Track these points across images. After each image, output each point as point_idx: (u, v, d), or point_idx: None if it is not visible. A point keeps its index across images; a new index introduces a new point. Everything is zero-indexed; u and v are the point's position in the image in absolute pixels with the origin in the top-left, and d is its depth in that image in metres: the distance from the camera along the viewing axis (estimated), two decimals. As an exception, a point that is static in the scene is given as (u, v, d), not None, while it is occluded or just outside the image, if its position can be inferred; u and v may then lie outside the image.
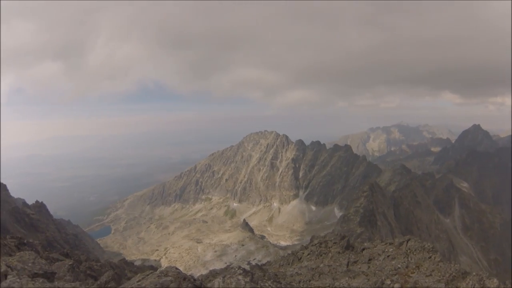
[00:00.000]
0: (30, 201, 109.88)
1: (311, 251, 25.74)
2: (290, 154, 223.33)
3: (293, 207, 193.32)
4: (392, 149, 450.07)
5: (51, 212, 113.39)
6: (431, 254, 18.67)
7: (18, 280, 8.09)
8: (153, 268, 52.08)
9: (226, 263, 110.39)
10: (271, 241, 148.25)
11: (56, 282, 8.85)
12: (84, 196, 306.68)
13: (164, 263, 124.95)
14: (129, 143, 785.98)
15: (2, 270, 8.91)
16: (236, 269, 7.99)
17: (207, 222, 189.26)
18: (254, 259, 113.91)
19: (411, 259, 18.71)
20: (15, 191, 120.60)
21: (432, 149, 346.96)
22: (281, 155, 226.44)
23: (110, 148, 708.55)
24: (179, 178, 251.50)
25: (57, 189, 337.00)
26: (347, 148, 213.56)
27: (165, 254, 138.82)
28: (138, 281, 7.36)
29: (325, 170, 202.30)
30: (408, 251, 19.73)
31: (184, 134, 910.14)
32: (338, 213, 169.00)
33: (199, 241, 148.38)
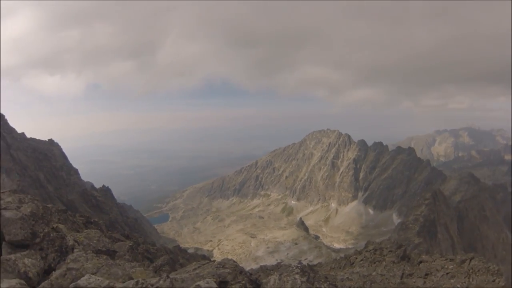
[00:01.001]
0: (97, 185, 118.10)
1: (364, 257, 25.04)
2: (351, 154, 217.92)
3: (351, 209, 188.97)
4: (460, 154, 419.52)
5: (115, 196, 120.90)
6: (495, 278, 17.21)
7: (84, 254, 8.72)
8: (205, 257, 53.59)
9: (277, 260, 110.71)
10: (324, 242, 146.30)
11: (118, 260, 9.50)
12: (146, 185, 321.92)
13: (216, 254, 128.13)
14: (193, 136, 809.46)
15: (70, 243, 9.69)
16: (294, 267, 8.01)
17: (263, 218, 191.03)
18: (305, 259, 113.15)
19: (472, 280, 17.37)
20: (85, 175, 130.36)
21: (506, 157, 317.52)
22: (343, 155, 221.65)
23: (174, 140, 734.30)
24: (239, 173, 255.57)
25: (122, 176, 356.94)
26: (411, 151, 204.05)
27: (218, 245, 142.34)
28: (194, 269, 7.60)
29: (386, 173, 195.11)
30: (470, 271, 18.31)
31: (248, 130, 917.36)
32: (396, 219, 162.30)
33: (253, 236, 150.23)
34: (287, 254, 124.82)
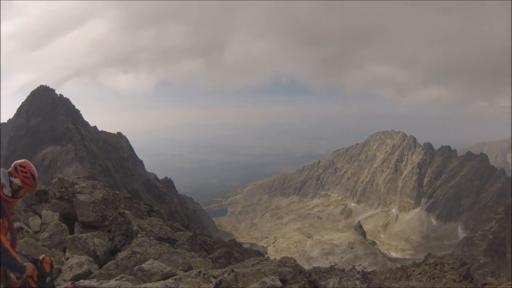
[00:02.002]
0: (160, 177, 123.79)
1: (423, 270, 23.70)
2: (416, 157, 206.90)
3: (412, 216, 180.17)
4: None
5: (177, 188, 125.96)
6: None
7: (148, 240, 9.31)
8: (260, 253, 54.08)
9: (331, 263, 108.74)
10: (381, 250, 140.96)
11: (178, 249, 9.89)
12: (207, 178, 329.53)
13: (271, 251, 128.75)
14: (258, 133, 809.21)
15: (134, 229, 10.34)
16: (355, 272, 7.79)
17: (321, 218, 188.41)
18: (359, 265, 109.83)
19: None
20: (149, 167, 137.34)
21: None
22: (407, 158, 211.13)
23: (239, 137, 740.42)
24: (301, 172, 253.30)
25: (185, 170, 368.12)
26: (483, 157, 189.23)
27: (273, 242, 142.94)
28: (253, 265, 7.65)
29: (453, 181, 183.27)
30: (540, 301, 16.56)
31: (312, 129, 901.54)
32: (461, 233, 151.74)
33: (309, 236, 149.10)
34: (342, 257, 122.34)
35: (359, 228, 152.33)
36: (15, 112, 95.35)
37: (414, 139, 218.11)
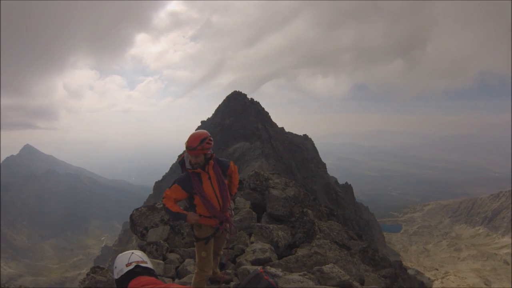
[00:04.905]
0: (341, 181, 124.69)
1: None
2: None
3: None
4: None
5: (355, 195, 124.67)
6: None
7: (328, 243, 9.82)
8: (423, 285, 48.90)
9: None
10: None
11: (355, 259, 10.05)
12: (387, 189, 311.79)
13: (436, 287, 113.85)
14: (451, 145, 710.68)
15: (315, 229, 10.96)
16: None
17: (509, 265, 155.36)
18: None
19: None
20: (331, 170, 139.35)
21: None
22: None
23: (429, 147, 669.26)
24: (495, 198, 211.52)
25: (365, 177, 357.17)
26: None
27: (442, 278, 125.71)
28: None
29: None
30: None
31: None
32: None
33: (487, 283, 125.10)
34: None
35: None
36: (213, 112, 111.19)
37: None
